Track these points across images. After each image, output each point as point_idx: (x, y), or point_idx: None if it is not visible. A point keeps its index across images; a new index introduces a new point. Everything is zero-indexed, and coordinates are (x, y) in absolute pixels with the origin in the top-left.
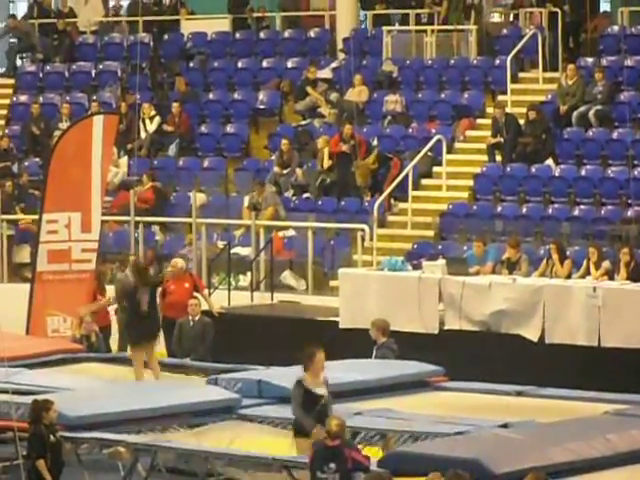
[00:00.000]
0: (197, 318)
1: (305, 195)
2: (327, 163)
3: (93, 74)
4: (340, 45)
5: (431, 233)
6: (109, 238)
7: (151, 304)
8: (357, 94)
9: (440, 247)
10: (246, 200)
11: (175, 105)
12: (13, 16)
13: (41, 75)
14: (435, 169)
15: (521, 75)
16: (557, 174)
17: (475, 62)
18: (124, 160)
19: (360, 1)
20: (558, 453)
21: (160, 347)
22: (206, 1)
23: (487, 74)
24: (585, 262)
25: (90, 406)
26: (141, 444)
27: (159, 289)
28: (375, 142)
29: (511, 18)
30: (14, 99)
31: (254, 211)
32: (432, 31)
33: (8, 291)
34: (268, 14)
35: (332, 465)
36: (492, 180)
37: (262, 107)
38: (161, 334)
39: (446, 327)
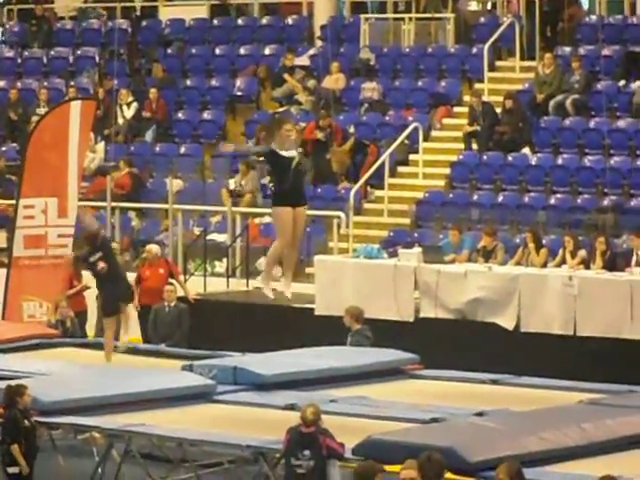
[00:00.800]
0: (173, 304)
1: None
2: None
3: (71, 60)
4: (318, 32)
5: (407, 221)
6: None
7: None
8: (334, 81)
9: (416, 235)
10: (231, 183)
11: (152, 91)
12: None
13: (19, 60)
14: (411, 157)
15: (498, 64)
16: (533, 163)
17: (452, 50)
18: (101, 146)
19: None
20: (533, 442)
21: (135, 333)
22: None
23: (464, 62)
24: (561, 251)
25: (64, 391)
26: (115, 429)
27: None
28: (352, 129)
29: (489, 6)
30: None
31: (237, 197)
32: (410, 19)
33: None
34: (246, 1)
35: (306, 452)
36: (468, 168)
37: (239, 94)
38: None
39: (421, 315)
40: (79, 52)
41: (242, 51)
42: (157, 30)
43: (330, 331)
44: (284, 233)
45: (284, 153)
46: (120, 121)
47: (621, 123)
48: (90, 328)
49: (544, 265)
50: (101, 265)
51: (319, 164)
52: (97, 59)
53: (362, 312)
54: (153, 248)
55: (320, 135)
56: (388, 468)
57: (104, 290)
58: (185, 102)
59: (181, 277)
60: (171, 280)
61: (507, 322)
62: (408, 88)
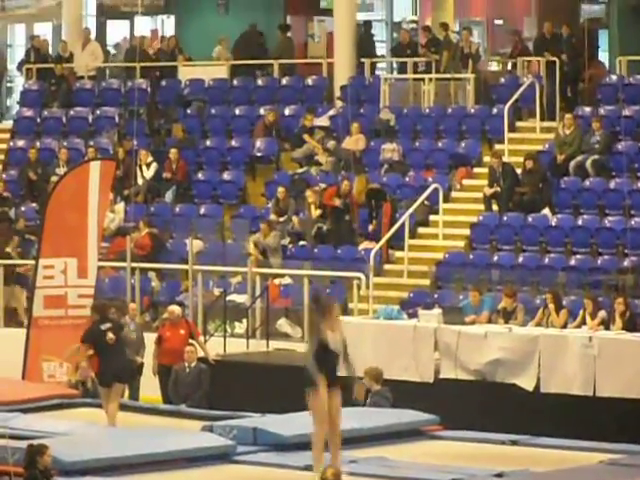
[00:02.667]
0: (193, 365)
1: (301, 243)
2: (315, 214)
3: (90, 119)
4: (337, 93)
5: (427, 282)
6: (105, 284)
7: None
8: (354, 142)
9: (436, 296)
10: (251, 242)
11: (172, 151)
12: None
13: (39, 120)
14: (432, 218)
15: (518, 124)
16: (554, 224)
17: (472, 111)
18: (121, 206)
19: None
20: None
21: (155, 393)
22: (204, 47)
23: (484, 123)
24: (581, 312)
25: (85, 451)
26: None
27: (155, 335)
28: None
29: (509, 67)
30: (11, 144)
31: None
32: (430, 79)
33: (4, 336)
34: (266, 62)
35: None
36: (489, 229)
37: (259, 154)
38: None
39: (441, 376)
40: (98, 112)
41: (262, 111)
42: (177, 90)
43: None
44: (321, 418)
45: (331, 346)
46: (140, 181)
47: None
48: None
49: (564, 326)
50: (110, 336)
51: (338, 228)
52: (117, 119)
53: (381, 373)
54: (175, 309)
55: (338, 202)
56: None
57: (103, 361)
58: (205, 162)
59: (201, 338)
60: (191, 341)
61: (527, 383)
62: (428, 149)
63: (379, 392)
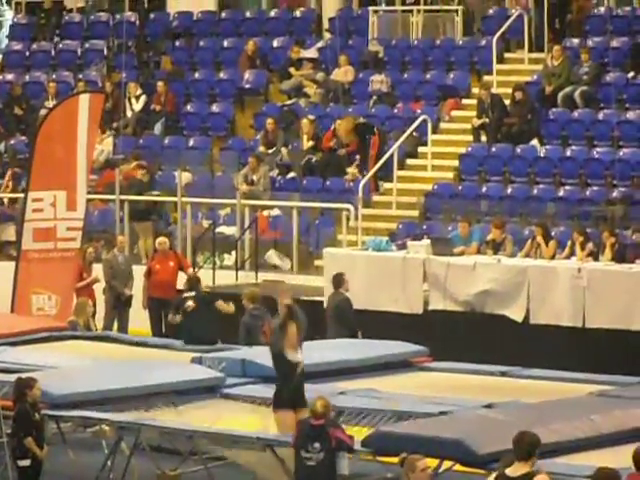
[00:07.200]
0: None
1: (290, 175)
2: (307, 145)
3: (79, 52)
4: (326, 25)
5: (416, 213)
6: (94, 217)
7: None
8: (343, 74)
9: (425, 227)
10: (239, 176)
11: (161, 84)
12: None
13: (27, 53)
14: (420, 149)
15: (507, 55)
16: (542, 155)
17: (461, 42)
18: (110, 139)
19: None
20: (542, 434)
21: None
22: None
23: (473, 54)
24: (570, 243)
25: (74, 384)
26: (125, 422)
27: (145, 268)
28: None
29: None
30: (0, 77)
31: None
32: (418, 11)
33: None
34: None
35: (316, 444)
36: (477, 160)
37: (248, 86)
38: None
39: (430, 307)
40: (87, 45)
41: (250, 44)
42: (165, 23)
43: None
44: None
45: (290, 357)
46: (129, 114)
47: (630, 115)
48: (99, 321)
49: (553, 257)
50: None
51: (330, 162)
52: (105, 52)
53: (256, 294)
54: (166, 241)
55: (335, 143)
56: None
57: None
58: (193, 95)
59: (190, 270)
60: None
61: (516, 314)
62: (416, 80)
63: (249, 310)
